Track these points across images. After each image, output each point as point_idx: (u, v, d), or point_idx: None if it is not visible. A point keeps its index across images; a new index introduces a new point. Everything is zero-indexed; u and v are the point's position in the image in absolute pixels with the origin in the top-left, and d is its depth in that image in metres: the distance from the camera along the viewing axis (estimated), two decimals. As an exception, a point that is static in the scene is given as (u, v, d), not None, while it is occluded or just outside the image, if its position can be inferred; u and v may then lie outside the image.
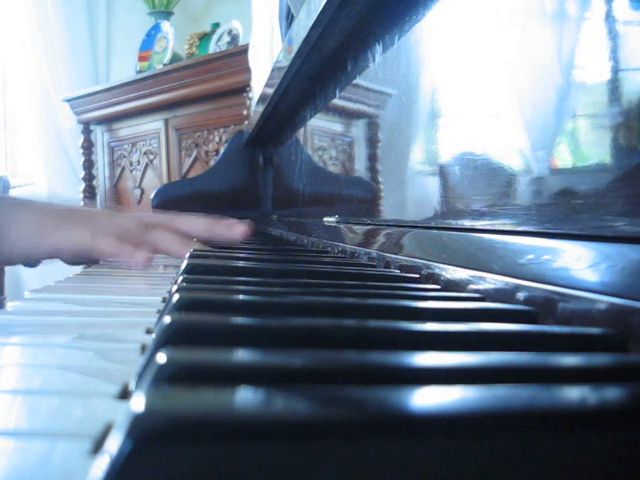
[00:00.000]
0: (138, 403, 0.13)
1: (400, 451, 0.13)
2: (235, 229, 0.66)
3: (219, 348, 0.19)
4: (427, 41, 0.49)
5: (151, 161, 2.37)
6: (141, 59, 2.59)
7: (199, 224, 0.66)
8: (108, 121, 2.53)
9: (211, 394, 0.14)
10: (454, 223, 0.43)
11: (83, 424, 0.17)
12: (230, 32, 2.34)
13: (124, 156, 2.49)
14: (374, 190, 0.66)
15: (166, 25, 2.58)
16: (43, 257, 0.58)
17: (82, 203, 2.50)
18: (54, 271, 0.80)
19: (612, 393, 0.15)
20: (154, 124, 2.32)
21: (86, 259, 0.65)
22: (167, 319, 0.21)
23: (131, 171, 2.46)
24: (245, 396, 0.14)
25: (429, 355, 0.19)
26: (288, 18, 1.07)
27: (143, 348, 0.26)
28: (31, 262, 0.66)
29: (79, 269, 0.76)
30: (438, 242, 0.43)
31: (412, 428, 0.13)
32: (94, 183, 2.59)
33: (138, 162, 2.43)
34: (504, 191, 0.36)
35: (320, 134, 0.93)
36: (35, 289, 0.43)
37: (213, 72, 1.99)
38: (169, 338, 0.20)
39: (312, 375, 0.17)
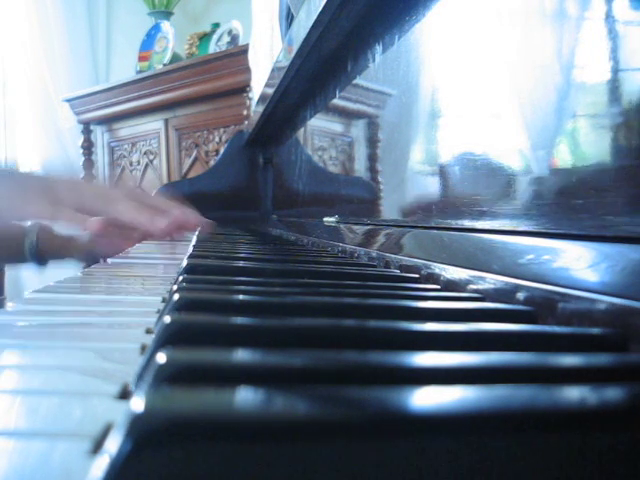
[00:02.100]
0: (138, 403, 0.13)
1: (400, 451, 0.13)
2: (157, 224, 0.71)
3: (219, 348, 0.19)
4: (427, 41, 0.49)
5: (151, 161, 2.37)
6: (141, 59, 2.59)
7: (129, 213, 0.72)
8: (108, 121, 2.53)
9: (211, 394, 0.14)
10: (454, 223, 0.42)
11: (83, 424, 0.17)
12: (230, 32, 2.34)
13: (124, 156, 2.49)
14: (374, 190, 0.66)
15: (166, 25, 2.58)
16: (23, 220, 0.72)
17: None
18: (54, 271, 0.81)
19: (612, 393, 0.15)
20: (154, 124, 2.32)
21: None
22: (167, 319, 0.21)
23: (131, 171, 2.46)
24: (245, 396, 0.14)
25: (429, 355, 0.19)
26: (288, 18, 1.07)
27: (143, 348, 0.26)
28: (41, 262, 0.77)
29: (79, 269, 0.76)
30: (438, 242, 0.43)
31: (412, 428, 0.13)
32: (94, 183, 2.59)
33: (138, 162, 2.43)
34: (504, 191, 0.36)
35: (320, 134, 0.93)
36: (35, 289, 0.43)
37: (213, 72, 1.99)
38: (169, 338, 0.20)
39: (312, 375, 0.17)
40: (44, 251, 0.78)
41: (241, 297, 0.29)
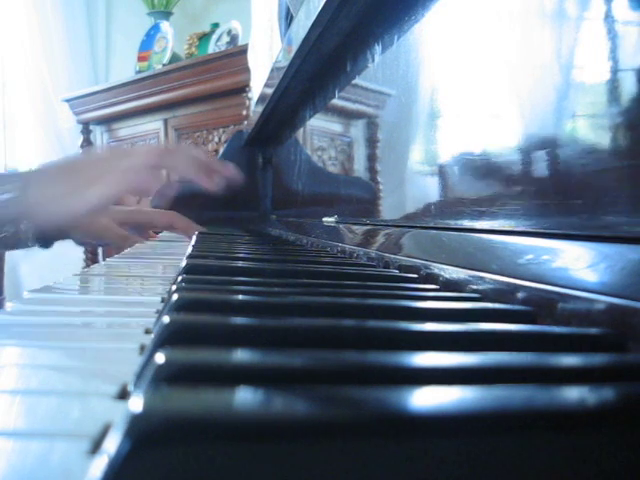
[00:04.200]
0: (136, 403, 0.13)
1: (400, 451, 0.13)
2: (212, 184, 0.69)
3: (218, 348, 0.19)
4: (426, 41, 0.49)
5: (150, 161, 2.36)
6: (140, 59, 2.59)
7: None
8: (107, 121, 2.53)
9: (210, 394, 0.14)
10: (453, 223, 0.42)
11: (82, 424, 0.17)
12: (229, 32, 2.33)
13: (123, 156, 2.49)
14: (373, 190, 0.66)
15: (165, 25, 2.57)
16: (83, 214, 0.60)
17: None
18: (53, 271, 0.81)
19: (611, 393, 0.15)
20: (153, 124, 2.32)
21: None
22: (166, 319, 0.21)
23: (130, 171, 2.46)
24: (244, 396, 0.14)
25: (428, 355, 0.19)
26: (287, 18, 1.07)
27: (142, 348, 0.26)
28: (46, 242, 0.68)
29: (78, 269, 0.76)
30: (437, 242, 0.43)
31: (411, 428, 0.13)
32: (93, 183, 2.59)
33: (137, 162, 2.43)
34: (503, 191, 0.36)
35: (319, 134, 0.92)
36: (34, 289, 0.43)
37: (212, 72, 1.99)
38: (168, 338, 0.20)
39: (311, 375, 0.17)
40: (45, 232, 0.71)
41: (240, 297, 0.28)
